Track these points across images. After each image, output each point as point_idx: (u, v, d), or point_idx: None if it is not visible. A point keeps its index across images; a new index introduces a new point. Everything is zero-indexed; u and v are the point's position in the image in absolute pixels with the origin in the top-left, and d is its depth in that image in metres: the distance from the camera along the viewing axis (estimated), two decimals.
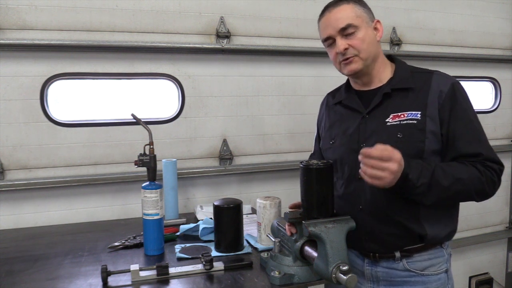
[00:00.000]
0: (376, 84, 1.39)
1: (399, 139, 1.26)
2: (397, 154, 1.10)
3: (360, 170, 1.13)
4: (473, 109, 1.30)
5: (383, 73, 1.39)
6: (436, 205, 1.26)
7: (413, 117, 1.27)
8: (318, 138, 1.63)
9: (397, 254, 1.31)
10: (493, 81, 2.99)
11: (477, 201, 1.26)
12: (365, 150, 1.10)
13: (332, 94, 1.59)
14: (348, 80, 1.51)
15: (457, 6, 2.79)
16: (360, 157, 1.11)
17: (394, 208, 1.25)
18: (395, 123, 1.29)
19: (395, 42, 2.59)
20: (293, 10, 2.36)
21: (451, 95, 1.27)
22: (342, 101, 1.47)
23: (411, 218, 1.28)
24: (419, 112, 1.27)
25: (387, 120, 1.30)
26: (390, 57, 1.45)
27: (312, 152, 1.69)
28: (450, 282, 1.37)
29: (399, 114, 1.29)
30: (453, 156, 1.26)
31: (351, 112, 1.42)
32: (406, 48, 2.64)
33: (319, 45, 1.55)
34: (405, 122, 1.28)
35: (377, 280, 1.36)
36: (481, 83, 3.03)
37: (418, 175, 1.15)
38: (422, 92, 1.30)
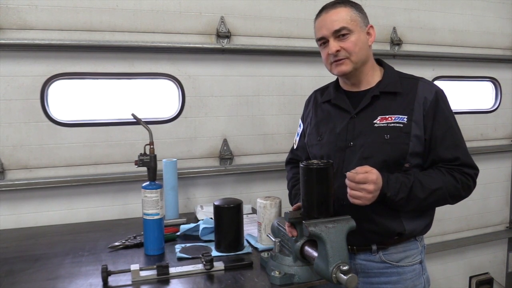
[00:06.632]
0: (364, 86, 1.45)
1: (386, 140, 1.33)
2: (371, 176, 1.20)
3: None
4: (453, 116, 1.40)
5: (372, 76, 1.45)
6: None
7: (400, 121, 1.35)
8: (303, 133, 1.63)
9: (374, 247, 1.39)
10: (493, 81, 2.99)
11: (452, 204, 1.37)
12: (347, 174, 1.21)
13: (320, 92, 1.62)
14: (337, 80, 1.55)
15: (457, 6, 2.79)
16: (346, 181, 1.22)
17: (375, 206, 1.27)
18: (382, 125, 1.35)
19: (395, 42, 2.59)
20: (293, 10, 2.36)
21: (435, 103, 1.36)
22: (331, 100, 1.50)
23: (391, 216, 1.36)
24: (406, 117, 1.35)
25: (375, 121, 1.37)
26: (379, 61, 1.50)
27: (295, 147, 1.68)
28: (425, 273, 1.46)
29: (387, 116, 1.36)
30: (433, 159, 1.36)
31: (340, 111, 1.46)
32: (406, 48, 2.64)
33: None
34: (392, 124, 1.34)
35: (355, 273, 1.38)
36: (481, 83, 3.03)
37: (397, 191, 1.26)
38: (408, 98, 1.38)
